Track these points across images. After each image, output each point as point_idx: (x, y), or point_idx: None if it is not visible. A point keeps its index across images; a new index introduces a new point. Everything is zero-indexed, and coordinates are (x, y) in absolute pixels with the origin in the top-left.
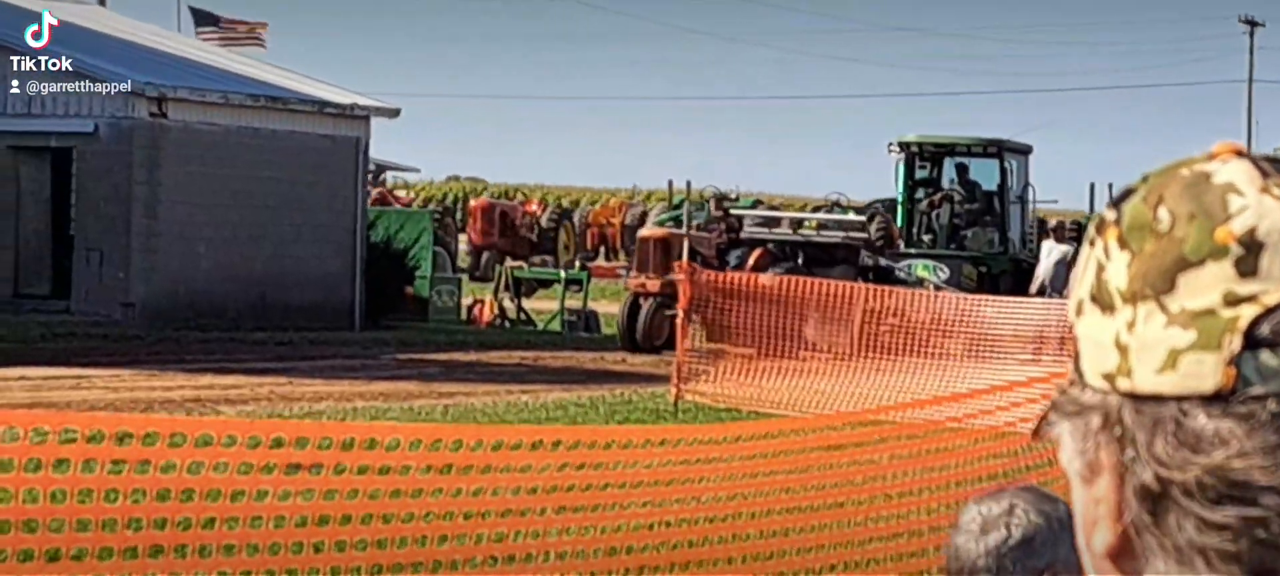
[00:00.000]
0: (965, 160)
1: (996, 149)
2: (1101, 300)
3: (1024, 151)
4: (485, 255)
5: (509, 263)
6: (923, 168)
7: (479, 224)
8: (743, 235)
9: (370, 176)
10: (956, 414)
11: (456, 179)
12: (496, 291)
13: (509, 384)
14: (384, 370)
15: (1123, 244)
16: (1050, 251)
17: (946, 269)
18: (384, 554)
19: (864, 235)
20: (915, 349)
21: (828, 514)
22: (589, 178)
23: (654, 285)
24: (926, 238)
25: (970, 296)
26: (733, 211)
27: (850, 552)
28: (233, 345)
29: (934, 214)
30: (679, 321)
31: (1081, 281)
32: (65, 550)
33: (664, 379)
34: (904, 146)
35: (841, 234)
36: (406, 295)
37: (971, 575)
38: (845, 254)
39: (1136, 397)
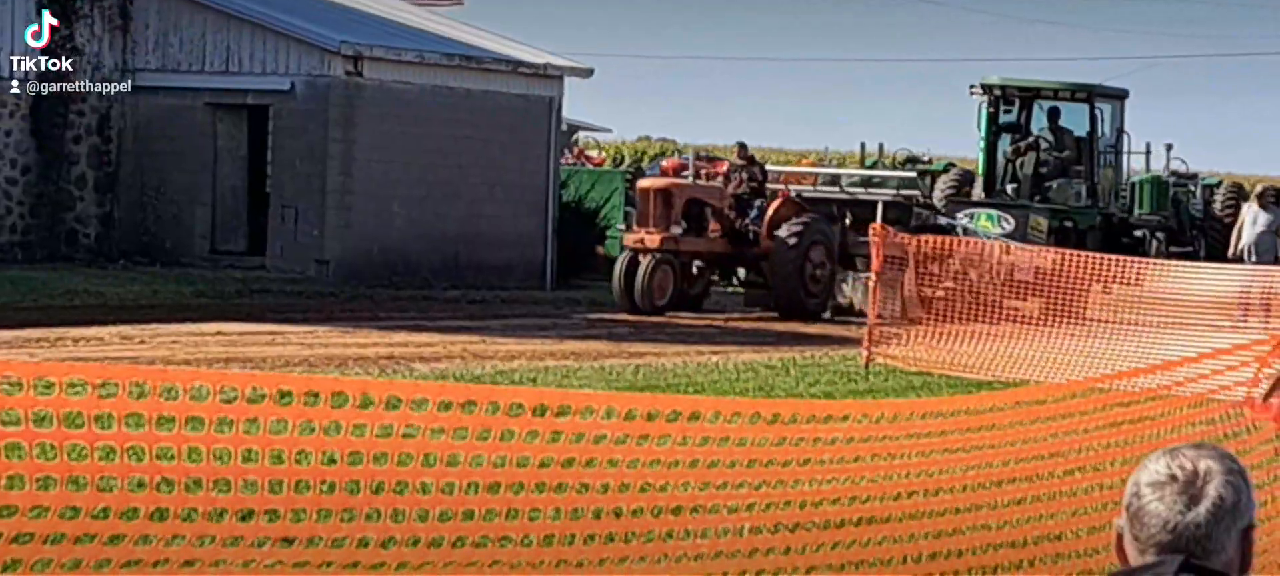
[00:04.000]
0: (1052, 105)
1: (1086, 94)
2: None
3: (1118, 96)
4: None
5: None
6: (1007, 112)
7: None
8: (799, 193)
9: (564, 136)
10: (1165, 382)
11: (648, 139)
12: None
13: (699, 344)
14: (575, 329)
15: None
16: (1255, 219)
17: (1012, 220)
18: (577, 524)
19: (915, 192)
20: (1114, 314)
21: (1027, 487)
22: (781, 139)
23: (654, 240)
24: (1010, 188)
25: (1174, 262)
26: (763, 164)
27: (1046, 526)
28: (426, 303)
29: (1018, 162)
30: (870, 286)
31: None
32: (258, 510)
33: (855, 342)
34: (987, 89)
35: (892, 191)
36: (598, 255)
37: (1177, 545)
38: (897, 212)
39: None
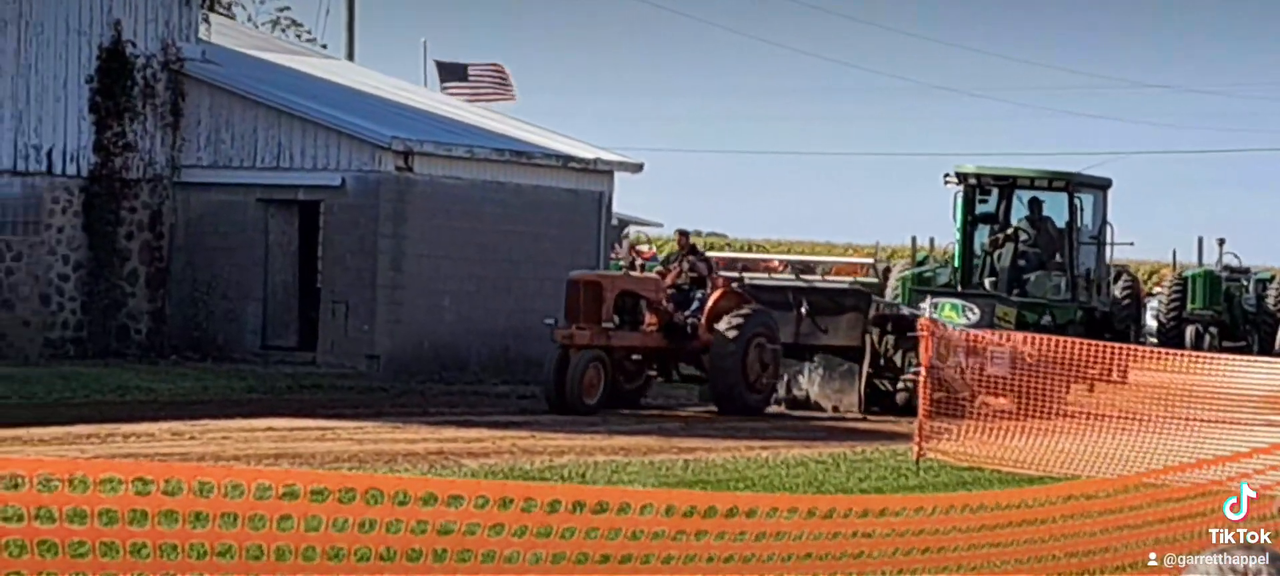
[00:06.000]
0: (1032, 194)
1: (1065, 183)
2: None
3: (1100, 186)
4: None
5: None
6: (983, 202)
7: None
8: (740, 283)
9: (614, 230)
10: (1218, 476)
11: (699, 233)
12: None
13: (749, 440)
14: (624, 424)
15: None
16: None
17: (977, 310)
18: None
19: (875, 280)
20: (1168, 411)
21: None
22: (832, 233)
23: (583, 336)
24: (988, 281)
25: (1222, 357)
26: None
27: None
28: (476, 398)
29: (996, 254)
30: (921, 380)
31: None
32: None
33: (906, 437)
34: (962, 178)
35: (849, 279)
36: None
37: None
38: (854, 301)
39: None
